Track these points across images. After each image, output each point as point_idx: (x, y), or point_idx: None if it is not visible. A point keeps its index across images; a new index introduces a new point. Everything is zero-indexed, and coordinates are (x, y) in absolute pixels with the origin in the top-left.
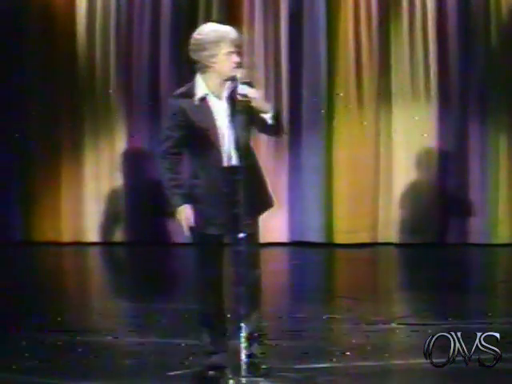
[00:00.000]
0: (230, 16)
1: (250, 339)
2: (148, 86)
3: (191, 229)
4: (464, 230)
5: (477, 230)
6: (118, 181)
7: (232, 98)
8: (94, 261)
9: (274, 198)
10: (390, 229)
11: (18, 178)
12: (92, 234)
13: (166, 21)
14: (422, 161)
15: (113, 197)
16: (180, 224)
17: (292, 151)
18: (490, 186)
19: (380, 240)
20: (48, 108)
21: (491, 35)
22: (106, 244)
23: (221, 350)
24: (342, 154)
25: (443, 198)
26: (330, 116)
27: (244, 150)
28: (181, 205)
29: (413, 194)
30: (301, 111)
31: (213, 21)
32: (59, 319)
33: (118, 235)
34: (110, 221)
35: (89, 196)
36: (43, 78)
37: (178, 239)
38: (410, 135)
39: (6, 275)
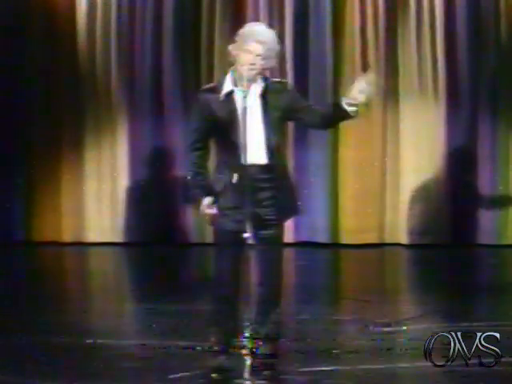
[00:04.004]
0: (234, 15)
1: (268, 339)
2: (150, 84)
3: (213, 222)
4: (473, 230)
5: (486, 231)
6: (120, 180)
7: (264, 96)
8: (95, 261)
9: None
10: (397, 229)
11: (18, 177)
12: (93, 234)
13: (169, 19)
14: (430, 160)
15: (114, 196)
16: (203, 215)
17: (298, 151)
18: (499, 186)
19: (387, 240)
20: (49, 106)
21: (500, 33)
22: (107, 244)
23: (229, 351)
24: (349, 154)
25: (452, 198)
26: None
27: (272, 149)
28: (204, 196)
29: (421, 194)
30: None
31: (220, 20)
32: (60, 320)
33: (120, 235)
34: (111, 221)
35: (90, 196)
36: (44, 76)
37: (181, 239)
38: (417, 135)
39: (6, 275)
